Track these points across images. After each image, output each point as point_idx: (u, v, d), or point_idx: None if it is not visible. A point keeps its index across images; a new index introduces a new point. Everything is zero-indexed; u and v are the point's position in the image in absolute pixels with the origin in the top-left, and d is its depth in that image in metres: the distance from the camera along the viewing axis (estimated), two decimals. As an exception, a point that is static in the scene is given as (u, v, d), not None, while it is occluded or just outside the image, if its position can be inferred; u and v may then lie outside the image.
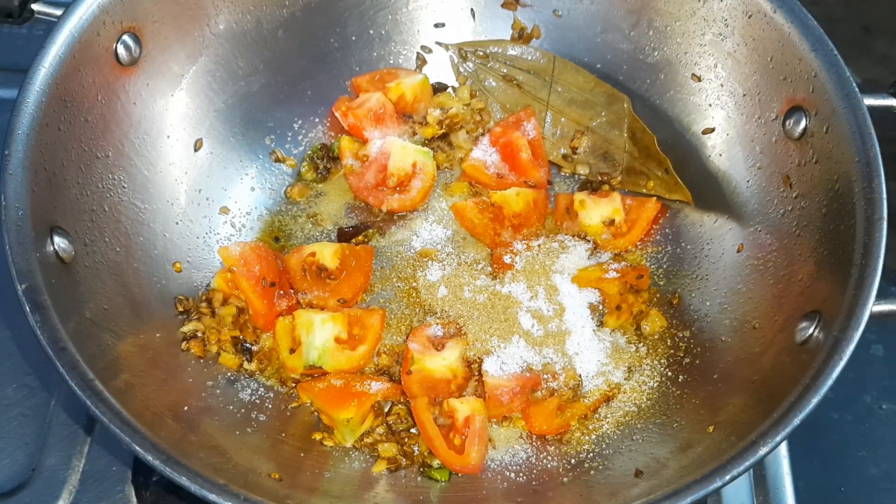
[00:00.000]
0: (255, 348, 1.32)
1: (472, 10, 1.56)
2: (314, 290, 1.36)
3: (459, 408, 1.24)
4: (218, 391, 1.26)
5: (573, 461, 1.23)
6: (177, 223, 1.37)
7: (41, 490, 1.27)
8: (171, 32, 1.34)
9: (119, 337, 1.17)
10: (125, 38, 1.26)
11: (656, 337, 1.35)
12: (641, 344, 1.35)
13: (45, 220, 1.13)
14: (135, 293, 1.26)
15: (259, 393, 1.29)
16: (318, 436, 1.26)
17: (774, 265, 1.27)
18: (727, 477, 1.00)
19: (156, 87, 1.35)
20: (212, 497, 0.98)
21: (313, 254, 1.37)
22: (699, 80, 1.43)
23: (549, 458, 1.24)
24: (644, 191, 1.48)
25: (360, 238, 1.45)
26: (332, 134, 1.54)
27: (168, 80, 1.36)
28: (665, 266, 1.42)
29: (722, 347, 1.29)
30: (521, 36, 1.55)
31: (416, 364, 1.27)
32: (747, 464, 1.00)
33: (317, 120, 1.54)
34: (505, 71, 1.56)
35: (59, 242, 1.13)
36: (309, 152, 1.51)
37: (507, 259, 1.39)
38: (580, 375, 1.29)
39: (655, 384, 1.30)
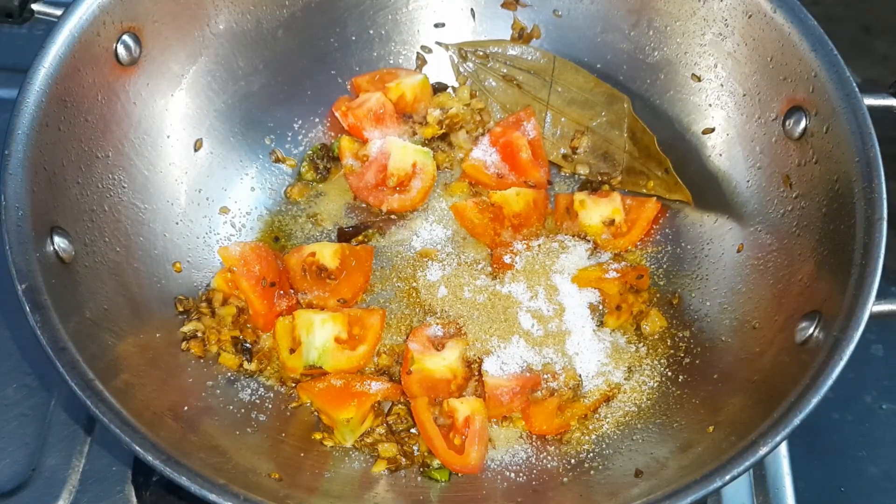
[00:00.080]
0: (255, 348, 1.32)
1: (472, 10, 1.56)
2: (314, 290, 1.36)
3: (459, 408, 1.24)
4: (218, 391, 1.26)
5: (573, 461, 1.23)
6: (177, 223, 1.37)
7: (41, 490, 1.27)
8: (171, 32, 1.34)
9: (119, 337, 1.17)
10: (125, 38, 1.26)
11: (656, 337, 1.35)
12: (641, 344, 1.35)
13: (45, 220, 1.13)
14: (135, 293, 1.26)
15: (259, 393, 1.29)
16: (318, 436, 1.26)
17: (774, 265, 1.27)
18: (727, 477, 1.00)
19: (156, 87, 1.35)
20: (212, 497, 0.98)
21: (313, 254, 1.37)
22: (699, 80, 1.43)
23: (549, 458, 1.24)
24: (644, 191, 1.48)
25: (360, 238, 1.45)
26: (332, 134, 1.54)
27: (168, 80, 1.36)
28: (665, 266, 1.42)
29: (722, 347, 1.29)
30: (521, 36, 1.55)
31: (416, 364, 1.27)
32: (747, 464, 1.00)
33: (317, 120, 1.54)
34: (505, 71, 1.56)
35: (59, 242, 1.13)
36: (309, 152, 1.51)
37: (507, 259, 1.39)
38: (580, 375, 1.29)
39: (655, 384, 1.30)
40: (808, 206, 1.24)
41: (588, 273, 1.37)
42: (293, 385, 1.30)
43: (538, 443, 1.27)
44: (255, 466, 1.14)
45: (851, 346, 1.04)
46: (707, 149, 1.43)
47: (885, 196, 1.12)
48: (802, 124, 1.25)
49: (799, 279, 1.21)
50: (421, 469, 1.23)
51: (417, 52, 1.57)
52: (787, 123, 1.28)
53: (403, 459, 1.24)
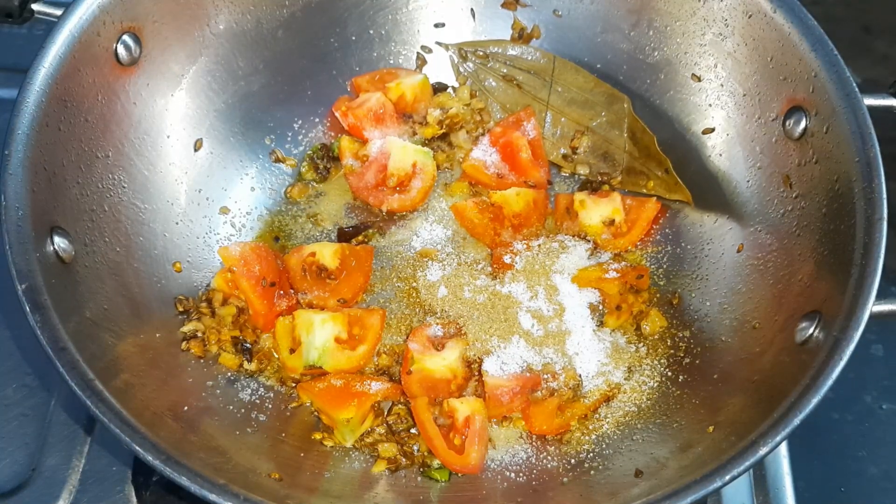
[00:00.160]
0: (255, 348, 1.32)
1: (472, 10, 1.56)
2: (314, 290, 1.36)
3: (459, 408, 1.24)
4: (218, 391, 1.26)
5: (573, 461, 1.23)
6: (177, 223, 1.37)
7: (41, 490, 1.27)
8: (171, 32, 1.34)
9: (119, 337, 1.17)
10: (125, 38, 1.26)
11: (656, 337, 1.35)
12: (641, 344, 1.35)
13: (45, 220, 1.13)
14: (135, 293, 1.26)
15: (259, 393, 1.29)
16: (318, 436, 1.26)
17: (774, 265, 1.27)
18: (727, 477, 1.00)
19: (156, 87, 1.35)
20: (212, 497, 0.98)
21: (313, 254, 1.37)
22: (699, 80, 1.43)
23: (549, 458, 1.24)
24: (644, 191, 1.48)
25: (360, 238, 1.45)
26: (332, 134, 1.54)
27: (168, 80, 1.36)
28: (665, 266, 1.42)
29: (722, 347, 1.29)
30: (521, 36, 1.55)
31: (416, 364, 1.27)
32: (747, 464, 1.00)
33: (317, 120, 1.54)
34: (505, 71, 1.56)
35: (59, 242, 1.13)
36: (309, 152, 1.51)
37: (507, 259, 1.39)
38: (580, 375, 1.29)
39: (655, 384, 1.30)
40: (808, 206, 1.24)
41: (588, 273, 1.37)
42: (293, 385, 1.30)
43: (538, 443, 1.27)
44: (255, 466, 1.14)
45: (851, 346, 1.04)
46: (707, 149, 1.43)
47: (885, 196, 1.12)
48: (802, 124, 1.25)
49: (799, 279, 1.21)
50: (421, 469, 1.23)
51: (417, 52, 1.57)
52: (787, 123, 1.28)
53: (403, 459, 1.24)
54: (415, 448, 1.25)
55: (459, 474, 1.23)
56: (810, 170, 1.24)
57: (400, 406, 1.28)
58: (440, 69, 1.58)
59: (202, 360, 1.29)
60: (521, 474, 1.23)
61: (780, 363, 1.15)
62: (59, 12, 1.22)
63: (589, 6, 1.50)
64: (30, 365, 1.38)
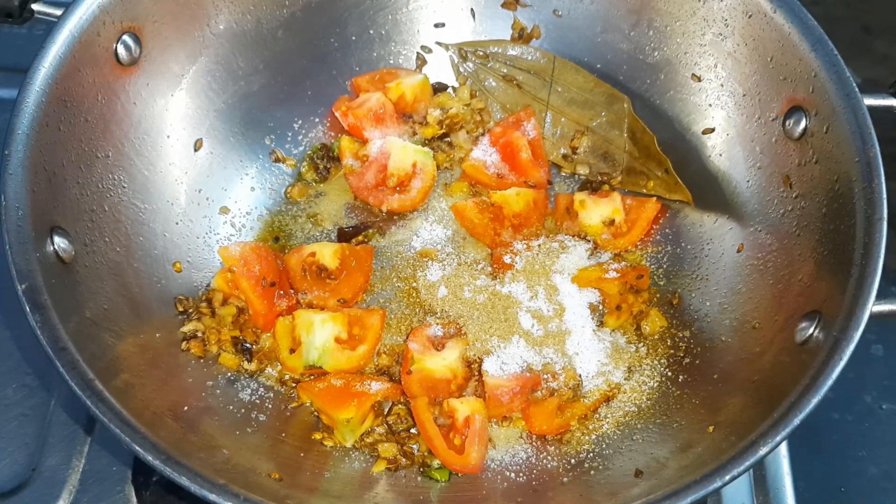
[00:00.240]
0: (255, 348, 1.32)
1: (472, 10, 1.56)
2: (314, 290, 1.36)
3: (459, 408, 1.24)
4: (218, 391, 1.26)
5: (573, 461, 1.23)
6: (177, 223, 1.37)
7: (41, 490, 1.27)
8: (171, 32, 1.34)
9: (119, 337, 1.17)
10: (125, 38, 1.26)
11: (656, 337, 1.35)
12: (641, 344, 1.35)
13: (45, 220, 1.13)
14: (135, 293, 1.26)
15: (259, 393, 1.29)
16: (318, 436, 1.26)
17: (774, 265, 1.27)
18: (727, 477, 1.00)
19: (156, 87, 1.35)
20: (212, 497, 0.98)
21: (313, 254, 1.37)
22: (699, 80, 1.43)
23: (549, 458, 1.24)
24: (644, 191, 1.48)
25: (360, 238, 1.45)
26: (332, 134, 1.54)
27: (168, 80, 1.36)
28: (665, 266, 1.42)
29: (722, 347, 1.29)
30: (521, 36, 1.55)
31: (416, 364, 1.27)
32: (747, 464, 1.00)
33: (317, 120, 1.54)
34: (505, 71, 1.56)
35: (59, 242, 1.13)
36: (309, 152, 1.51)
37: (507, 259, 1.39)
38: (580, 375, 1.29)
39: (655, 384, 1.30)
40: (808, 206, 1.24)
41: (588, 273, 1.37)
42: (293, 385, 1.30)
43: (538, 443, 1.27)
44: (255, 466, 1.14)
45: (851, 346, 1.04)
46: (707, 149, 1.43)
47: (885, 196, 1.12)
48: (802, 124, 1.25)
49: (799, 279, 1.21)
50: (421, 469, 1.23)
51: (417, 52, 1.57)
52: (787, 123, 1.28)
53: (403, 459, 1.24)
54: (415, 448, 1.25)
55: (459, 474, 1.23)
56: (810, 170, 1.24)
57: (400, 406, 1.28)
58: (440, 69, 1.58)
59: (202, 360, 1.29)
60: (521, 474, 1.23)
61: (780, 363, 1.15)
62: (59, 12, 1.22)
63: (589, 6, 1.50)
64: (30, 365, 1.38)
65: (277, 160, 1.50)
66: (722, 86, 1.40)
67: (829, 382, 1.03)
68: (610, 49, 1.51)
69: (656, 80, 1.48)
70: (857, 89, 1.18)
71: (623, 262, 1.41)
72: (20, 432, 1.32)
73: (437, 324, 1.34)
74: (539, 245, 1.41)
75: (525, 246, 1.41)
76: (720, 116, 1.41)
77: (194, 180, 1.41)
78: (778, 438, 1.01)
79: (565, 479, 1.21)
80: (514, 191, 1.43)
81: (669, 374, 1.31)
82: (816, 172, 1.23)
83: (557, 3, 1.52)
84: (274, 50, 1.48)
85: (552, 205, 1.48)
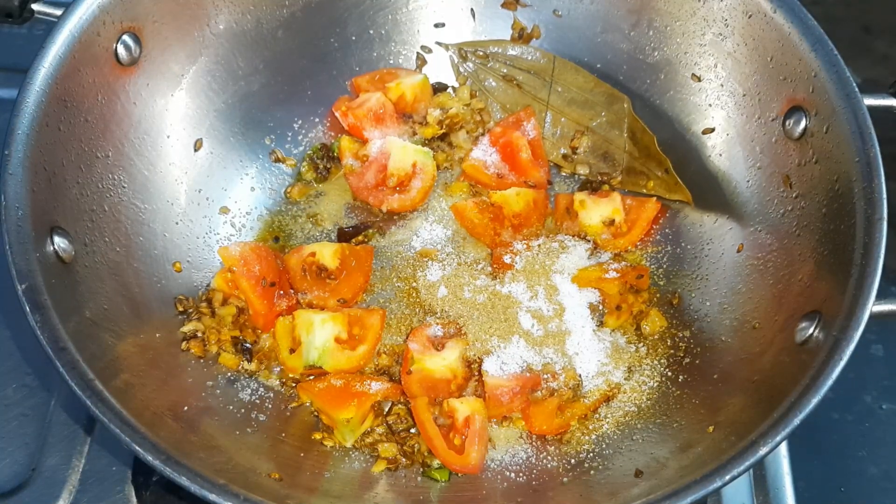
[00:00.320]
0: (255, 348, 1.32)
1: (472, 10, 1.56)
2: (314, 290, 1.36)
3: (459, 408, 1.24)
4: (218, 391, 1.26)
5: (573, 461, 1.23)
6: (177, 223, 1.37)
7: (41, 490, 1.27)
8: (171, 32, 1.34)
9: (119, 337, 1.17)
10: (125, 38, 1.26)
11: (656, 337, 1.35)
12: (641, 344, 1.35)
13: (45, 220, 1.13)
14: (135, 293, 1.26)
15: (259, 393, 1.29)
16: (318, 436, 1.26)
17: (774, 265, 1.27)
18: (727, 477, 1.00)
19: (156, 87, 1.35)
20: (212, 497, 0.98)
21: (313, 254, 1.37)
22: (699, 80, 1.43)
23: (549, 458, 1.24)
24: (644, 191, 1.48)
25: (360, 238, 1.45)
26: (332, 134, 1.54)
27: (168, 80, 1.36)
28: (665, 266, 1.42)
29: (722, 347, 1.29)
30: (521, 36, 1.55)
31: (416, 364, 1.27)
32: (747, 464, 1.00)
33: (317, 120, 1.54)
34: (505, 71, 1.56)
35: (59, 242, 1.13)
36: (309, 152, 1.51)
37: (507, 259, 1.39)
38: (580, 375, 1.29)
39: (655, 384, 1.30)
40: (808, 206, 1.24)
41: (588, 273, 1.37)
42: (293, 385, 1.30)
43: (538, 443, 1.27)
44: (255, 466, 1.14)
45: (851, 346, 1.04)
46: (707, 149, 1.43)
47: (885, 196, 1.12)
48: (802, 124, 1.25)
49: (799, 279, 1.21)
50: (421, 469, 1.23)
51: (417, 52, 1.57)
52: (787, 123, 1.28)
53: (403, 459, 1.24)
54: (415, 448, 1.25)
55: (459, 474, 1.23)
56: (810, 170, 1.24)
57: (400, 406, 1.28)
58: (440, 69, 1.58)
59: (202, 360, 1.29)
60: (521, 474, 1.23)
61: (780, 363, 1.15)
62: (59, 12, 1.22)
63: (589, 6, 1.50)
64: (30, 365, 1.38)
65: (277, 160, 1.50)
66: (722, 86, 1.40)
67: (829, 382, 1.03)
68: (610, 49, 1.51)
69: (656, 80, 1.48)
70: (857, 89, 1.18)
71: (623, 262, 1.41)
72: (20, 432, 1.32)
73: (437, 324, 1.34)
74: (539, 245, 1.41)
75: (525, 246, 1.41)
76: (720, 116, 1.41)
77: (194, 180, 1.41)
78: (778, 438, 1.01)
79: (565, 479, 1.21)
80: (514, 191, 1.43)
81: (669, 374, 1.31)
82: (816, 172, 1.23)
83: (557, 3, 1.52)
84: (274, 50, 1.48)
85: (552, 205, 1.48)
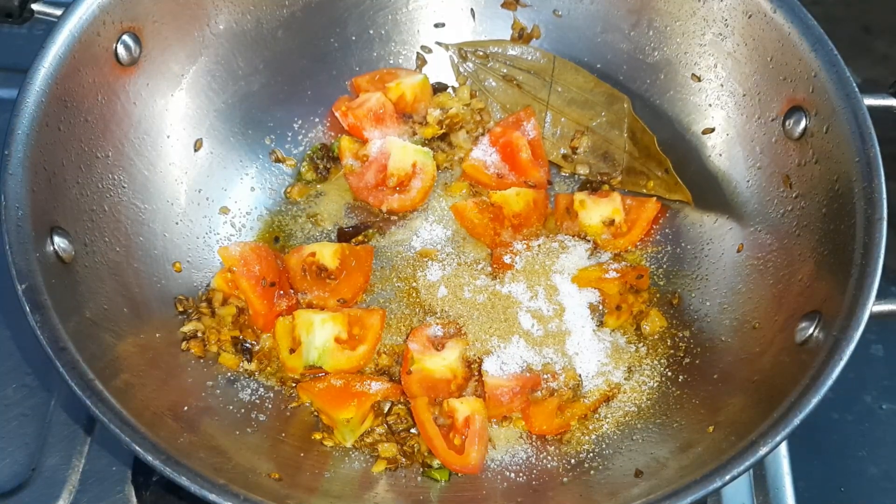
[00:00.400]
0: (255, 348, 1.32)
1: (472, 10, 1.56)
2: (314, 290, 1.36)
3: (459, 408, 1.24)
4: (218, 391, 1.26)
5: (573, 461, 1.23)
6: (177, 223, 1.37)
7: (41, 490, 1.27)
8: (171, 32, 1.34)
9: (119, 337, 1.17)
10: (125, 38, 1.26)
11: (656, 337, 1.35)
12: (641, 344, 1.35)
13: (45, 220, 1.13)
14: (135, 293, 1.26)
15: (259, 393, 1.29)
16: (318, 436, 1.26)
17: (774, 265, 1.27)
18: (727, 477, 1.00)
19: (156, 87, 1.35)
20: (212, 497, 0.98)
21: (313, 254, 1.37)
22: (699, 80, 1.43)
23: (549, 458, 1.24)
24: (644, 191, 1.48)
25: (360, 238, 1.45)
26: (332, 134, 1.54)
27: (168, 80, 1.36)
28: (665, 266, 1.42)
29: (722, 347, 1.29)
30: (521, 36, 1.55)
31: (416, 364, 1.27)
32: (747, 464, 1.00)
33: (317, 120, 1.54)
34: (505, 71, 1.56)
35: (59, 242, 1.13)
36: (309, 152, 1.51)
37: (507, 259, 1.39)
38: (580, 375, 1.29)
39: (655, 384, 1.30)
40: (808, 206, 1.24)
41: (588, 273, 1.37)
42: (293, 385, 1.30)
43: (538, 443, 1.27)
44: (255, 466, 1.14)
45: (851, 346, 1.04)
46: (707, 149, 1.43)
47: (885, 196, 1.12)
48: (802, 124, 1.25)
49: (799, 279, 1.21)
50: (421, 469, 1.23)
51: (417, 52, 1.57)
52: (787, 123, 1.28)
53: (403, 459, 1.24)
54: (415, 448, 1.25)
55: (459, 474, 1.23)
56: (810, 170, 1.24)
57: (400, 406, 1.28)
58: (440, 69, 1.58)
59: (202, 360, 1.29)
60: (521, 474, 1.23)
61: (780, 363, 1.15)
62: (59, 12, 1.22)
63: (589, 6, 1.50)
64: (30, 365, 1.38)
65: (277, 160, 1.50)
66: (722, 86, 1.40)
67: (829, 382, 1.03)
68: (610, 49, 1.51)
69: (656, 80, 1.48)
70: (857, 89, 1.18)
71: (623, 262, 1.41)
72: (20, 432, 1.32)
73: (437, 324, 1.34)
74: (539, 245, 1.41)
75: (525, 246, 1.41)
76: (720, 116, 1.41)
77: (194, 180, 1.41)
78: (778, 438, 1.01)
79: (565, 479, 1.21)
80: (514, 191, 1.43)
81: (669, 374, 1.31)
82: (816, 172, 1.23)
83: (557, 3, 1.52)
84: (274, 50, 1.48)
85: (552, 205, 1.48)
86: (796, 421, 1.01)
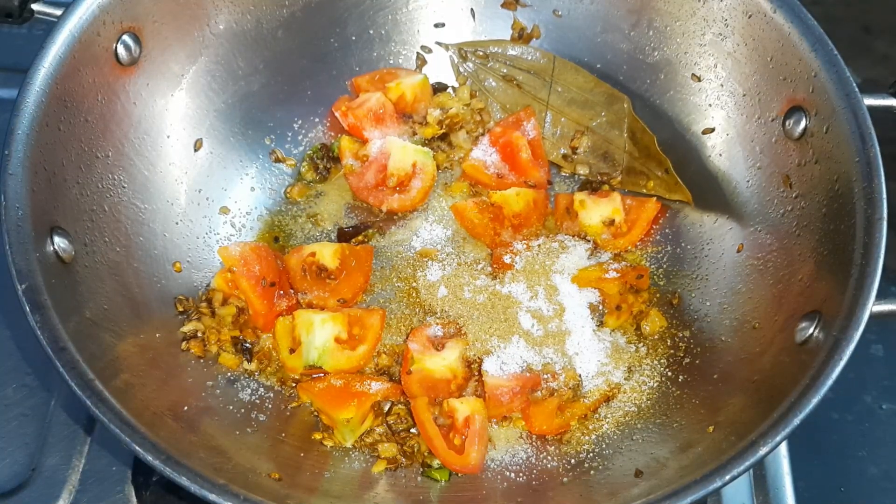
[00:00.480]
0: (255, 348, 1.32)
1: (472, 10, 1.56)
2: (314, 290, 1.36)
3: (459, 408, 1.24)
4: (218, 391, 1.26)
5: (573, 461, 1.23)
6: (177, 223, 1.37)
7: (41, 490, 1.27)
8: (171, 32, 1.34)
9: (119, 337, 1.17)
10: (125, 38, 1.27)
11: (656, 337, 1.35)
12: (641, 344, 1.35)
13: (45, 220, 1.13)
14: (135, 293, 1.26)
15: (259, 393, 1.29)
16: (318, 436, 1.26)
17: (774, 265, 1.27)
18: (727, 477, 1.00)
19: (156, 87, 1.35)
20: (212, 497, 0.98)
21: (313, 254, 1.37)
22: (699, 80, 1.43)
23: (549, 458, 1.24)
24: (644, 191, 1.48)
25: (360, 238, 1.45)
26: (332, 134, 1.54)
27: (168, 80, 1.36)
28: (665, 266, 1.42)
29: (722, 347, 1.29)
30: (521, 36, 1.55)
31: (416, 364, 1.27)
32: (747, 464, 1.00)
33: (317, 120, 1.54)
34: (505, 71, 1.56)
35: (59, 242, 1.13)
36: (309, 152, 1.51)
37: (507, 259, 1.39)
38: (580, 375, 1.29)
39: (655, 384, 1.30)
40: (808, 206, 1.24)
41: (588, 273, 1.37)
42: (293, 385, 1.30)
43: (538, 443, 1.27)
44: (255, 466, 1.14)
45: (851, 346, 1.04)
46: (707, 149, 1.43)
47: (885, 196, 1.12)
48: (802, 124, 1.25)
49: (799, 279, 1.21)
50: (421, 469, 1.23)
51: (417, 52, 1.57)
52: (787, 123, 1.28)
53: (403, 459, 1.24)
54: (415, 448, 1.25)
55: (459, 474, 1.23)
56: (810, 170, 1.24)
57: (400, 406, 1.28)
58: (440, 69, 1.58)
59: (202, 360, 1.29)
60: (521, 474, 1.23)
61: (780, 363, 1.15)
62: (59, 12, 1.22)
63: (589, 6, 1.50)
64: (30, 365, 1.38)
65: (277, 160, 1.50)
66: (722, 86, 1.40)
67: (829, 382, 1.03)
68: (610, 49, 1.51)
69: (656, 80, 1.48)
70: (857, 89, 1.18)
71: (623, 262, 1.41)
72: (20, 432, 1.32)
73: (437, 324, 1.34)
74: (539, 245, 1.41)
75: (525, 246, 1.41)
76: (720, 116, 1.41)
77: (194, 180, 1.41)
78: (778, 438, 1.01)
79: (565, 479, 1.21)
80: (514, 191, 1.43)
81: (669, 374, 1.31)
82: (816, 172, 1.23)
83: (557, 3, 1.52)
84: (274, 50, 1.48)
85: (552, 205, 1.48)
86: (796, 421, 1.01)
